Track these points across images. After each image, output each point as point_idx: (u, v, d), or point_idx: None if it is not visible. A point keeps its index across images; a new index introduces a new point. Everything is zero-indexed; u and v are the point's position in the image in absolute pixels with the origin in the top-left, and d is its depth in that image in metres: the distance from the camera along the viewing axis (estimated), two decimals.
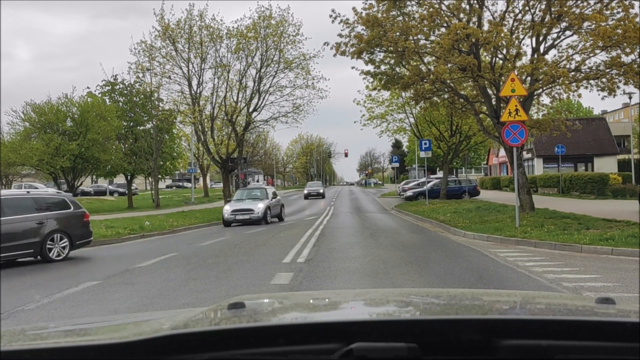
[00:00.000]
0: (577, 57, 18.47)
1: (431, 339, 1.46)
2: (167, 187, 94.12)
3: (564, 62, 18.44)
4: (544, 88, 18.99)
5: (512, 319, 1.76)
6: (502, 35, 17.80)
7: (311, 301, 2.60)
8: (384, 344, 1.40)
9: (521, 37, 19.53)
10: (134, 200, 44.82)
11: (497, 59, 20.25)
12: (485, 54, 20.97)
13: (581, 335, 1.49)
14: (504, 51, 19.49)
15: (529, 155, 57.33)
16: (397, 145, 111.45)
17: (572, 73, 18.46)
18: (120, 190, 61.01)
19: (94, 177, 48.30)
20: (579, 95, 18.72)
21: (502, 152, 69.96)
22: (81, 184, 41.02)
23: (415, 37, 19.61)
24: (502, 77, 19.72)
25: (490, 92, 20.75)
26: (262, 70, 34.98)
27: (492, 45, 18.25)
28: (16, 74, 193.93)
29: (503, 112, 20.39)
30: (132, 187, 63.91)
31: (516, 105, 16.41)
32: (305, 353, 1.44)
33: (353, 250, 13.52)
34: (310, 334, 1.52)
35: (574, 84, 17.93)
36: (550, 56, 19.57)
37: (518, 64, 19.30)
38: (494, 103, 20.48)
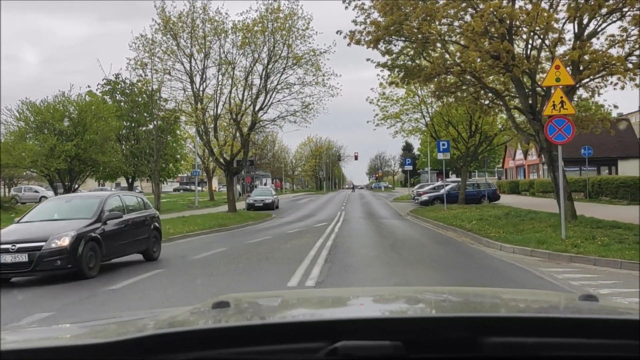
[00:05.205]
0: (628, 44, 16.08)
1: (417, 337, 1.45)
2: (175, 190, 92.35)
3: (617, 47, 16.09)
4: (593, 77, 16.62)
5: (497, 317, 1.73)
6: (546, 15, 15.41)
7: (297, 300, 2.54)
8: (369, 342, 1.39)
9: (561, 21, 17.14)
10: None
11: (532, 46, 17.89)
12: (517, 41, 18.61)
13: (565, 332, 1.48)
14: (542, 37, 17.12)
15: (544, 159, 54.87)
16: (407, 148, 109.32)
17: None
18: None
19: (100, 180, 46.30)
20: (637, 86, 16.30)
21: (519, 155, 67.49)
22: (78, 186, 38.99)
23: (439, 22, 17.31)
24: (540, 67, 17.44)
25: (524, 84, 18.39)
26: (270, 67, 32.76)
27: (531, 29, 15.90)
28: (24, 77, 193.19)
29: (540, 106, 18.12)
30: (137, 191, 62.30)
31: (561, 97, 14.05)
32: (290, 352, 1.43)
33: (374, 269, 11.21)
34: (295, 333, 1.51)
35: (629, 72, 15.54)
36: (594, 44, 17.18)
37: (559, 51, 16.93)
38: (529, 96, 18.11)
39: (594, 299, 1.98)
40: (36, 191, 54.13)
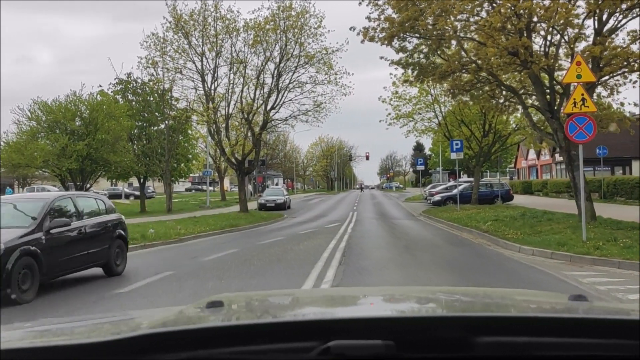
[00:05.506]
0: None
1: (409, 337, 1.45)
2: (187, 190, 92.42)
3: (638, 43, 15.61)
4: (614, 74, 16.16)
5: (489, 317, 1.73)
6: (564, 11, 14.97)
7: (291, 300, 2.51)
8: (361, 341, 1.39)
9: (580, 16, 16.69)
10: (148, 204, 42.62)
11: (550, 42, 17.45)
12: (534, 37, 18.19)
13: (555, 332, 1.48)
14: (561, 32, 16.67)
15: (562, 158, 54.07)
16: (418, 148, 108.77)
17: None
18: (136, 193, 58.85)
19: (113, 180, 46.30)
20: None
21: (532, 155, 66.72)
22: (90, 186, 38.89)
23: (455, 18, 16.92)
24: (557, 64, 17.00)
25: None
26: (281, 65, 32.45)
27: (551, 24, 15.46)
28: (38, 77, 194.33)
29: (558, 104, 17.70)
30: (149, 191, 62.23)
31: (582, 94, 13.63)
32: (283, 351, 1.43)
33: (389, 272, 10.87)
34: (288, 332, 1.50)
35: None
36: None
37: (579, 47, 16.49)
38: (547, 93, 17.67)
39: (584, 298, 2.00)
40: (49, 191, 54.23)
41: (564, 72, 18.32)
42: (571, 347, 1.45)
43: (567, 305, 2.05)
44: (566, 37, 16.85)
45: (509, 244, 14.78)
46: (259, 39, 31.61)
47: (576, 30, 16.14)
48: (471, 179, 43.66)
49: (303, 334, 1.48)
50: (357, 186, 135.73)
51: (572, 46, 16.62)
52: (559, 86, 17.46)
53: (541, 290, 8.72)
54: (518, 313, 1.94)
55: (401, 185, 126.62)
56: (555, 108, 17.40)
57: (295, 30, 31.86)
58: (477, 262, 12.53)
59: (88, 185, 37.20)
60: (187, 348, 1.43)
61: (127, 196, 61.33)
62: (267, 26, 31.45)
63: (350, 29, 19.31)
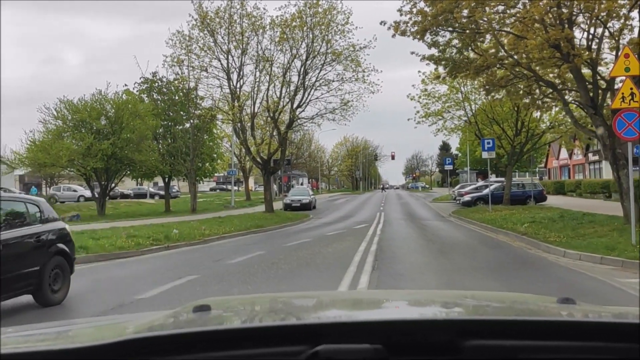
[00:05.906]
0: None
1: (397, 340, 1.45)
2: (211, 189, 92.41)
3: None
4: None
5: (476, 320, 1.75)
6: (610, 0, 14.05)
7: (280, 304, 2.47)
8: (350, 345, 1.40)
9: (624, 7, 15.75)
10: (173, 204, 42.38)
11: (593, 35, 16.53)
12: (574, 30, 17.28)
13: (542, 335, 1.48)
14: (604, 24, 15.76)
15: (596, 157, 52.53)
16: (445, 147, 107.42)
17: None
18: (161, 193, 58.81)
19: (138, 179, 46.18)
20: None
21: (563, 154, 65.14)
22: (115, 185, 38.76)
23: (492, 9, 16.11)
24: (600, 57, 16.09)
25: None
26: (308, 63, 31.84)
27: (594, 15, 14.58)
28: (66, 78, 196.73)
29: (601, 100, 16.78)
30: (174, 190, 62.25)
31: (631, 88, 12.76)
32: (272, 355, 1.43)
33: (426, 278, 10.16)
34: (277, 337, 1.50)
35: None
36: None
37: (624, 40, 15.55)
38: (589, 89, 16.74)
39: (572, 301, 2.00)
40: (75, 190, 54.40)
41: (606, 66, 17.43)
42: (558, 350, 1.44)
43: (554, 308, 2.05)
44: (610, 29, 15.91)
45: (551, 247, 13.92)
46: (285, 37, 31.08)
47: (622, 21, 15.20)
48: (500, 179, 42.55)
49: (291, 339, 1.46)
50: (380, 186, 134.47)
51: (617, 38, 15.68)
52: (602, 81, 16.54)
53: (601, 301, 7.94)
54: (505, 316, 1.92)
55: (427, 185, 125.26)
56: (598, 104, 16.47)
57: (322, 27, 31.25)
58: (520, 268, 11.71)
59: (113, 185, 37.15)
60: (171, 353, 1.42)
61: (152, 195, 61.34)
62: (294, 23, 30.90)
63: (380, 24, 18.59)
